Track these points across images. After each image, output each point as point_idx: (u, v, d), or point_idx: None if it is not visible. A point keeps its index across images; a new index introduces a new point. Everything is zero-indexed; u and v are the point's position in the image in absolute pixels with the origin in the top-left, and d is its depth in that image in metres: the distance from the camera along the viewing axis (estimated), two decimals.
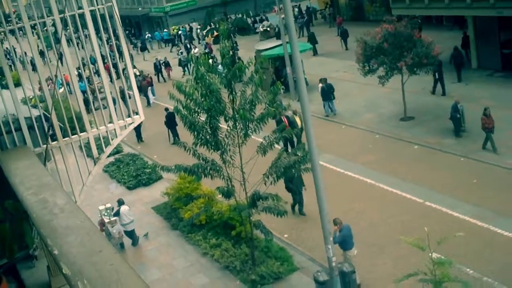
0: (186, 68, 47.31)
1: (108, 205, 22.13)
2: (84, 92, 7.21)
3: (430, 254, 9.01)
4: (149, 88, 42.31)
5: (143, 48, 63.43)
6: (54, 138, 6.17)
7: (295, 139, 26.77)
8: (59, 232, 3.38)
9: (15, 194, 4.30)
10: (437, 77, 30.92)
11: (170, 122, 31.59)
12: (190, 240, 21.26)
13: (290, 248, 19.75)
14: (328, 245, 15.67)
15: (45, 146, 5.85)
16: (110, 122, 6.57)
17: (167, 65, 49.24)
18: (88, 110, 6.60)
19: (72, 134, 6.38)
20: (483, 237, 18.32)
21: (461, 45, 35.49)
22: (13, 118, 5.85)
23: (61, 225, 3.46)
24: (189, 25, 68.63)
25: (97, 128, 6.66)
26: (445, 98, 30.16)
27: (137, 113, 6.39)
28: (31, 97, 6.39)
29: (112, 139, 6.47)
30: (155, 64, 49.13)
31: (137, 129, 31.01)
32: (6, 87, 5.79)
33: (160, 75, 48.99)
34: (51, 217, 3.60)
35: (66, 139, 6.38)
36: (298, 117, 27.08)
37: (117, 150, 32.01)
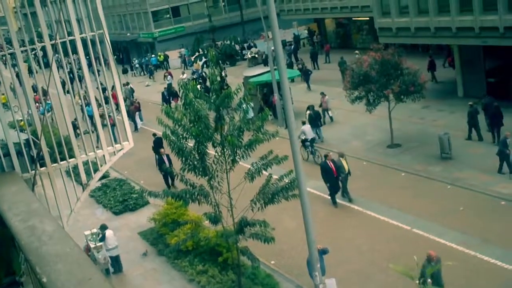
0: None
1: (94, 230, 22.00)
2: (91, 117, 7.23)
3: (418, 283, 8.97)
4: (137, 113, 42.30)
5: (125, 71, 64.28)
6: (42, 163, 6.15)
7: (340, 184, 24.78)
8: (47, 259, 3.34)
9: (3, 221, 4.26)
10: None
11: (158, 147, 31.50)
12: (177, 266, 21.13)
13: (277, 275, 19.68)
14: (315, 272, 15.65)
15: (33, 172, 5.82)
16: (98, 148, 6.57)
17: (175, 95, 46.53)
18: (76, 135, 6.60)
19: (61, 160, 6.35)
20: (470, 264, 18.35)
21: (427, 68, 37.99)
22: (2, 144, 5.82)
23: (50, 252, 3.43)
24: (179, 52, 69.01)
25: (86, 154, 6.63)
26: (434, 127, 30.34)
27: (126, 140, 6.41)
28: (19, 119, 6.38)
29: (101, 165, 6.46)
30: (163, 93, 47.73)
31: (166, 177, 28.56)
32: None
33: (168, 105, 47.72)
34: (40, 244, 3.57)
35: (54, 164, 6.35)
36: (344, 160, 24.74)
37: (104, 175, 31.81)
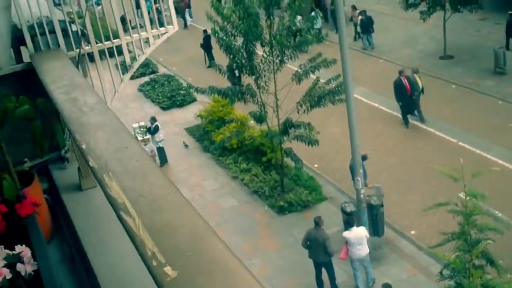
0: None
1: (142, 123, 22.36)
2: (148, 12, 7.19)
3: (464, 185, 8.90)
4: (187, 9, 41.86)
5: None
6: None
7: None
8: (87, 128, 3.39)
9: (47, 94, 4.31)
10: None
11: (206, 44, 31.35)
12: (221, 163, 21.47)
13: (320, 178, 19.86)
14: (357, 177, 15.70)
15: (77, 50, 5.82)
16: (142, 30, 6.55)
17: None
18: (125, 29, 6.60)
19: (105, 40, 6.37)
20: None
21: None
22: (47, 20, 5.80)
23: (90, 122, 3.47)
24: None
25: (130, 36, 6.60)
26: (489, 41, 29.34)
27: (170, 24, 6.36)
28: (70, 11, 6.40)
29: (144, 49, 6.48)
30: None
31: None
32: None
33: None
34: (81, 114, 3.61)
35: (99, 44, 6.34)
36: (418, 77, 23.03)
37: (152, 70, 32.14)
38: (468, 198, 9.13)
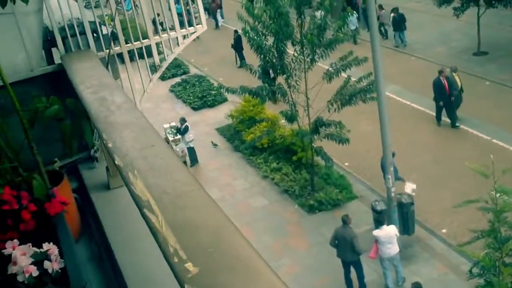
0: None
1: (173, 124, 22.53)
2: (179, 14, 7.20)
3: (494, 182, 8.79)
4: (218, 10, 42.04)
5: None
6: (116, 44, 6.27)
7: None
8: (114, 127, 3.43)
9: (76, 94, 4.38)
10: None
11: (237, 44, 31.45)
12: (251, 162, 21.52)
13: (350, 177, 19.79)
14: (388, 175, 15.62)
15: (107, 51, 5.89)
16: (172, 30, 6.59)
17: None
18: (156, 30, 6.67)
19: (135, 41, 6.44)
20: None
21: None
22: (78, 22, 5.89)
23: (117, 121, 3.51)
24: None
25: (159, 36, 6.65)
26: None
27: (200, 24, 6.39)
28: (105, 14, 6.53)
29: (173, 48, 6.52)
30: None
31: None
32: None
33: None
34: (108, 114, 3.66)
35: (128, 44, 6.41)
36: (457, 76, 22.47)
37: (184, 71, 32.37)
38: (498, 195, 9.01)
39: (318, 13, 17.33)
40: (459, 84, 22.30)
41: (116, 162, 3.00)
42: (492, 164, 8.70)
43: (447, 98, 21.89)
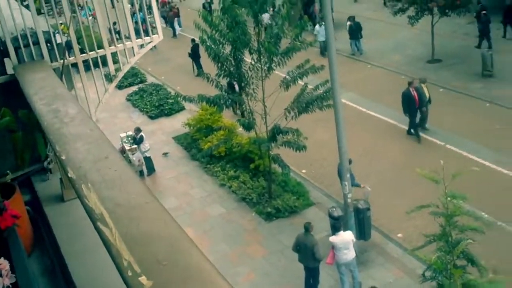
0: None
1: (129, 133, 22.37)
2: (137, 23, 7.20)
3: (445, 187, 8.97)
4: (176, 19, 41.93)
5: None
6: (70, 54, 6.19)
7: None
8: (68, 138, 3.40)
9: (29, 106, 4.32)
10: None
11: (195, 53, 31.41)
12: (209, 171, 21.49)
13: (307, 184, 19.91)
14: (344, 181, 15.75)
15: (61, 61, 5.83)
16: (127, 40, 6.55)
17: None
18: (112, 40, 6.61)
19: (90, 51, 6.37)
20: (501, 183, 18.24)
21: None
22: (31, 32, 5.81)
23: (71, 132, 3.48)
24: None
25: (115, 46, 6.60)
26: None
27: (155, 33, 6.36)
28: (61, 22, 6.42)
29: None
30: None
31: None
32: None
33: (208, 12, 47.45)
34: (61, 125, 3.62)
35: (83, 55, 6.35)
36: (425, 87, 22.17)
37: (141, 80, 32.17)
38: (449, 199, 9.21)
39: (266, 16, 17.44)
40: (427, 95, 22.18)
41: (69, 175, 2.97)
42: (442, 169, 8.87)
43: (415, 110, 21.77)
